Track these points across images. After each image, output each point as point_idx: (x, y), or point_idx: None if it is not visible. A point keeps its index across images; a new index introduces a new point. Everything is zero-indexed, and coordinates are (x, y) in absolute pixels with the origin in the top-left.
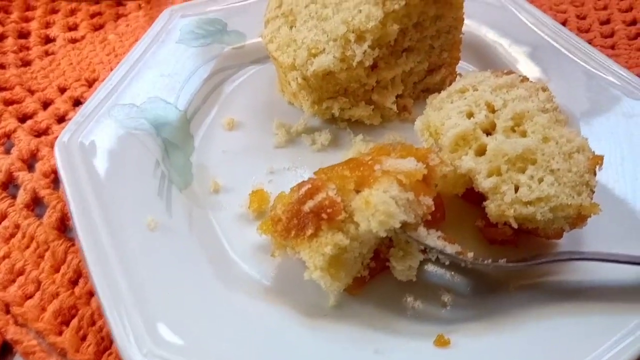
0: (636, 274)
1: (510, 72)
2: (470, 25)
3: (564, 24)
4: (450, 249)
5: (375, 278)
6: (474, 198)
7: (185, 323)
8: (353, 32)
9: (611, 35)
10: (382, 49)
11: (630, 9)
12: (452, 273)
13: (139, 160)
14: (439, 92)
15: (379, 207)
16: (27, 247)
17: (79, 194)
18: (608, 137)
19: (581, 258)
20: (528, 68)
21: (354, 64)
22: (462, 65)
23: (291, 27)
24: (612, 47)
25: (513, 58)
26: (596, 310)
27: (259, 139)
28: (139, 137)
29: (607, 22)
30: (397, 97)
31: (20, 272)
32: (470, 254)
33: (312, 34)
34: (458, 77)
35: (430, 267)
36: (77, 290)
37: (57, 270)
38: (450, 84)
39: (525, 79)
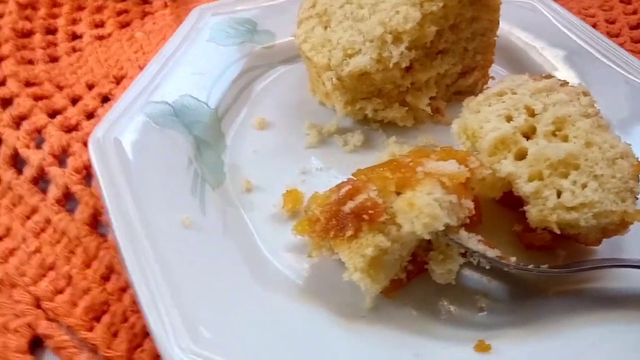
0: None
1: (549, 76)
2: (503, 28)
3: (593, 27)
4: (491, 253)
5: (412, 281)
6: (510, 202)
7: (221, 320)
8: (390, 33)
9: None
10: (418, 50)
11: None
12: (489, 278)
13: (172, 158)
14: (472, 95)
15: (424, 209)
16: (58, 242)
17: (113, 190)
18: None
19: (623, 265)
20: (562, 72)
21: (391, 65)
22: (494, 69)
23: (325, 28)
24: None
25: (546, 62)
26: (634, 319)
27: (290, 139)
28: (171, 134)
29: (636, 26)
30: (430, 99)
31: (51, 267)
32: (513, 259)
33: (348, 34)
34: (490, 80)
35: (467, 272)
36: (108, 286)
37: (88, 266)
38: (482, 87)
39: (565, 83)
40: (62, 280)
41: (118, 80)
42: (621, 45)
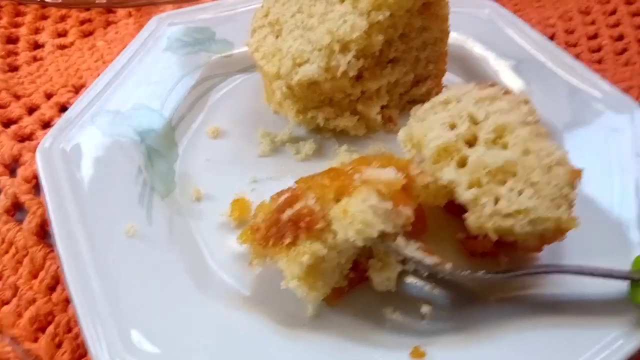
0: (613, 288)
1: (494, 85)
2: (458, 38)
3: (552, 37)
4: (429, 260)
5: (355, 289)
6: (455, 210)
7: (162, 331)
8: (338, 42)
9: (598, 49)
10: (367, 59)
11: (617, 24)
12: (432, 285)
13: (121, 167)
14: (424, 103)
15: (357, 216)
16: (6, 252)
17: (58, 200)
18: (591, 151)
19: (559, 271)
20: (513, 80)
21: (339, 74)
22: (449, 77)
23: (277, 37)
24: (599, 62)
25: (498, 70)
26: (575, 323)
27: (243, 147)
28: (122, 144)
29: (594, 36)
30: (382, 107)
31: None
32: (449, 265)
33: (298, 43)
34: (444, 89)
35: (411, 279)
36: (54, 296)
37: (35, 277)
38: (436, 95)
39: (508, 91)
40: (9, 291)
41: (77, 90)
42: (579, 54)
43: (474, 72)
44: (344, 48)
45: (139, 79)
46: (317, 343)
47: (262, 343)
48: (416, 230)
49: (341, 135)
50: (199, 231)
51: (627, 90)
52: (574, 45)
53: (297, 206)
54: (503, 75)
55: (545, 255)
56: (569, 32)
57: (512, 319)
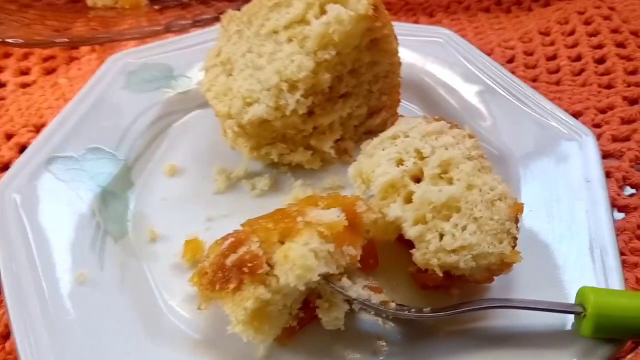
0: (560, 319)
1: (440, 119)
2: (416, 65)
3: (511, 60)
4: (376, 298)
5: (306, 327)
6: (408, 242)
7: None
8: (285, 81)
9: (557, 71)
10: (316, 96)
11: (575, 44)
12: (384, 320)
13: (74, 212)
14: (378, 135)
15: (297, 261)
16: None
17: (7, 248)
18: (542, 179)
19: (504, 306)
20: (468, 109)
21: (288, 112)
22: (406, 106)
23: (229, 75)
24: (557, 83)
25: (453, 98)
26: (523, 356)
27: (200, 185)
28: (75, 187)
29: (553, 57)
30: (337, 140)
31: None
32: (393, 304)
33: (247, 83)
34: (400, 118)
35: (363, 315)
36: (7, 345)
37: None
38: (391, 125)
39: (454, 125)
40: None
41: (38, 129)
42: (537, 76)
43: (430, 101)
44: (292, 87)
45: (94, 121)
46: None
47: None
48: (367, 265)
49: (297, 169)
50: (152, 274)
51: (583, 111)
52: (533, 67)
53: (241, 251)
54: (458, 103)
55: (496, 286)
56: (529, 54)
57: (462, 353)
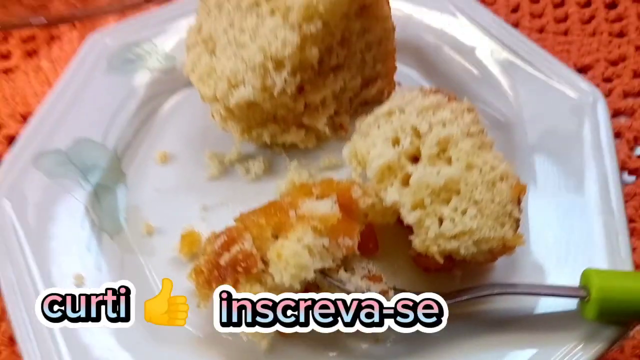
0: (564, 302)
1: (437, 91)
2: (410, 29)
3: (516, 8)
4: (375, 287)
5: None
6: (407, 225)
7: None
8: (271, 60)
9: (565, 19)
10: (305, 72)
11: None
12: None
13: (66, 211)
14: (380, 103)
15: (290, 259)
16: None
17: (4, 255)
18: (548, 147)
19: (506, 292)
20: (468, 70)
21: (276, 93)
22: (404, 71)
23: (212, 54)
24: (565, 33)
25: (453, 60)
26: (526, 340)
27: (192, 172)
28: (67, 185)
29: (561, 4)
30: (332, 116)
31: None
32: (392, 293)
33: (231, 63)
34: (397, 86)
35: None
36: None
37: None
38: (389, 94)
39: (452, 97)
40: None
41: (25, 118)
42: (544, 25)
43: (429, 64)
44: (278, 65)
45: (78, 109)
46: None
47: None
48: (367, 250)
49: (292, 148)
50: (151, 269)
51: (593, 64)
52: (540, 16)
53: (234, 250)
54: (457, 66)
55: (500, 265)
56: (534, 1)
57: (466, 337)
